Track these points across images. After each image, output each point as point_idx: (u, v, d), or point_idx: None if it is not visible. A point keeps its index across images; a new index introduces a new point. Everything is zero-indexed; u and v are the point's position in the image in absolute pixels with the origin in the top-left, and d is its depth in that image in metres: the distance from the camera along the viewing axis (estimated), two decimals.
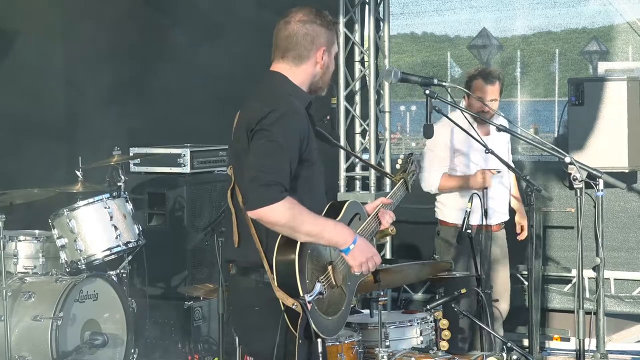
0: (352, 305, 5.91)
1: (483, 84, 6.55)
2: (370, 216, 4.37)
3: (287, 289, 3.92)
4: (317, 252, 4.02)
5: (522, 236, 6.79)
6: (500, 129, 5.38)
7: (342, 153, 8.16)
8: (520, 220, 6.87)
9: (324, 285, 4.00)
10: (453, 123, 5.70)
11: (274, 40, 4.19)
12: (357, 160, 8.33)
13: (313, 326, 3.95)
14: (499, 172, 6.39)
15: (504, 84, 6.72)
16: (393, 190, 4.67)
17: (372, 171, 8.14)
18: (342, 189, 8.24)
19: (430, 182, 6.60)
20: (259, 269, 4.01)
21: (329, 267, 4.07)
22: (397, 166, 4.78)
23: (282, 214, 3.86)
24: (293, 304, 3.90)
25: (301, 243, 3.94)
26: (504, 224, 6.78)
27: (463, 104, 6.63)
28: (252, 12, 8.61)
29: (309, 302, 3.90)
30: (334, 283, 4.08)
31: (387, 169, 8.23)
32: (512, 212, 6.85)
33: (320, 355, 4.05)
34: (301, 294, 3.90)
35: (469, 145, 6.48)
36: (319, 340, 4.03)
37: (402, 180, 4.72)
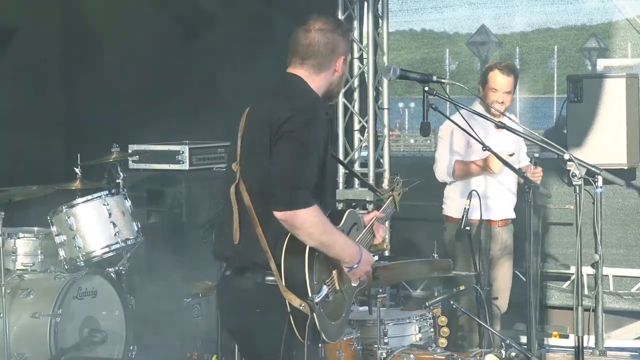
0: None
1: (498, 75, 6.58)
2: (366, 228, 4.37)
3: (295, 290, 3.91)
4: (323, 254, 4.01)
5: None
6: (498, 125, 5.39)
7: (340, 150, 8.16)
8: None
9: (329, 289, 4.00)
10: (453, 123, 5.71)
11: (292, 46, 4.18)
12: (355, 157, 8.33)
13: (319, 330, 3.92)
14: (511, 155, 6.38)
15: (518, 79, 6.74)
16: (384, 207, 4.72)
17: (371, 169, 8.13)
18: (340, 186, 8.22)
19: (444, 170, 6.59)
20: (259, 269, 3.97)
21: (334, 272, 4.07)
22: (385, 187, 4.87)
23: (309, 220, 3.88)
24: (301, 305, 3.88)
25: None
26: (510, 221, 6.76)
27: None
28: (251, 8, 8.61)
29: (317, 304, 3.88)
30: (337, 288, 4.09)
31: (386, 167, 8.22)
32: (517, 211, 6.80)
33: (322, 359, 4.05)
34: (310, 295, 3.89)
35: (484, 137, 6.40)
36: (320, 345, 4.03)
37: (391, 198, 4.77)
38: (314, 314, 3.87)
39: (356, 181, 8.35)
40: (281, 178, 3.89)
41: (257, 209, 3.98)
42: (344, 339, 5.44)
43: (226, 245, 4.12)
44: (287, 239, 3.94)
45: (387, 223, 8.09)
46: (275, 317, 3.93)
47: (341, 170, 8.20)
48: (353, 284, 4.17)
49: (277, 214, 3.88)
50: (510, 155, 6.33)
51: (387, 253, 8.05)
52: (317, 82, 4.15)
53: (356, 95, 8.32)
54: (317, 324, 3.91)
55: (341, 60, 4.18)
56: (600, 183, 6.72)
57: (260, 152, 3.98)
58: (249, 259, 4.02)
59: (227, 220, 4.10)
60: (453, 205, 6.67)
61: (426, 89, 4.66)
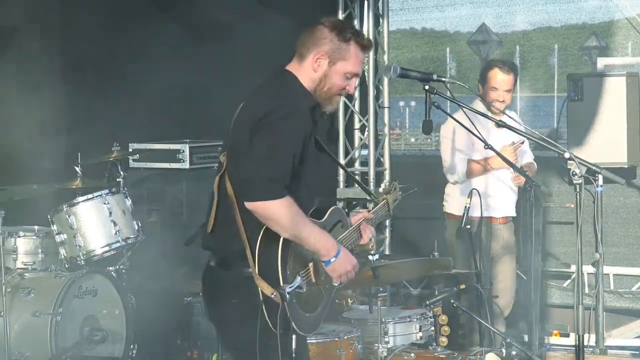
0: (351, 302, 5.96)
1: (498, 73, 6.57)
2: (352, 228, 4.36)
3: (268, 278, 3.93)
4: (300, 246, 4.04)
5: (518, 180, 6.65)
6: (499, 124, 5.38)
7: (340, 149, 8.16)
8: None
9: (303, 280, 4.01)
10: (455, 121, 5.70)
11: None
12: (355, 156, 8.33)
13: (291, 320, 3.95)
14: (522, 142, 6.37)
15: (517, 77, 6.73)
16: (376, 208, 4.66)
17: (371, 168, 8.13)
18: (341, 184, 8.23)
19: (455, 171, 6.57)
20: (239, 260, 4.00)
21: (310, 264, 4.09)
22: (380, 190, 4.84)
23: (280, 211, 3.90)
24: (272, 294, 3.90)
25: None
26: (510, 219, 6.75)
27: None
28: (253, 9, 8.60)
29: (289, 294, 3.90)
30: (313, 280, 4.09)
31: (387, 165, 8.22)
32: (517, 210, 6.80)
33: (293, 352, 4.04)
34: (281, 284, 3.91)
35: (486, 135, 6.39)
36: (294, 336, 4.03)
37: (384, 201, 4.72)
38: (285, 303, 3.89)
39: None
40: (253, 169, 3.92)
41: (239, 200, 4.02)
42: (345, 337, 5.45)
43: (208, 236, 4.19)
44: (263, 228, 3.97)
45: (387, 221, 8.13)
46: (251, 308, 3.96)
47: (341, 170, 8.21)
48: (334, 284, 4.16)
49: (248, 205, 3.92)
50: (521, 142, 6.33)
51: (387, 251, 8.07)
52: (301, 74, 4.14)
53: (357, 94, 8.32)
54: (288, 313, 3.93)
55: (318, 55, 4.10)
56: (600, 182, 6.73)
57: (242, 145, 4.02)
58: (229, 249, 4.06)
59: (210, 210, 4.18)
60: (454, 202, 6.66)
61: (426, 87, 4.66)
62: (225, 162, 4.13)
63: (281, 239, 3.95)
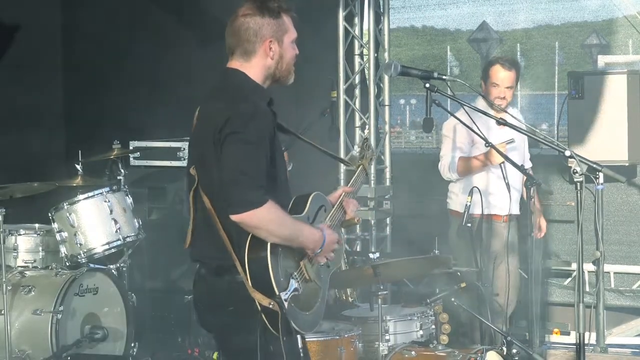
0: (352, 300, 5.95)
1: (499, 70, 6.59)
2: (335, 207, 4.33)
3: (262, 289, 3.89)
4: (288, 248, 4.00)
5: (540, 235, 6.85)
6: (500, 122, 5.38)
7: (341, 147, 8.14)
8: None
9: (298, 281, 3.99)
10: (456, 119, 5.70)
11: (225, 39, 4.15)
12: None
13: (293, 324, 3.94)
14: (512, 142, 6.38)
15: (519, 74, 6.75)
16: (354, 178, 4.61)
17: (372, 165, 8.12)
18: (342, 182, 8.22)
19: (447, 167, 6.58)
20: (230, 268, 3.96)
21: (302, 263, 4.06)
22: (355, 153, 4.77)
23: (266, 218, 3.87)
24: (270, 304, 3.87)
25: None
26: (514, 217, 6.74)
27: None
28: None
29: (286, 300, 3.88)
30: (308, 277, 4.07)
31: (387, 163, 8.22)
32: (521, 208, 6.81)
33: (300, 350, 4.04)
34: (277, 293, 3.87)
35: (487, 133, 6.41)
36: (298, 336, 4.03)
37: (361, 167, 4.67)
38: (284, 311, 3.86)
39: None
40: (231, 182, 3.87)
41: (218, 212, 3.97)
42: (345, 336, 5.45)
43: (196, 248, 4.13)
44: (249, 238, 3.92)
45: (388, 219, 8.13)
46: (249, 313, 3.92)
47: (342, 167, 8.20)
48: (321, 264, 4.14)
49: (234, 217, 3.87)
50: (510, 142, 6.33)
51: (388, 249, 8.06)
52: (251, 70, 4.09)
53: (357, 92, 8.32)
54: (290, 320, 3.91)
55: (268, 43, 4.07)
56: (601, 180, 6.72)
57: (209, 157, 3.97)
58: (219, 260, 4.01)
59: (193, 225, 4.12)
60: (457, 199, 6.67)
61: (427, 85, 4.66)
62: (196, 176, 4.05)
63: (268, 247, 3.90)
